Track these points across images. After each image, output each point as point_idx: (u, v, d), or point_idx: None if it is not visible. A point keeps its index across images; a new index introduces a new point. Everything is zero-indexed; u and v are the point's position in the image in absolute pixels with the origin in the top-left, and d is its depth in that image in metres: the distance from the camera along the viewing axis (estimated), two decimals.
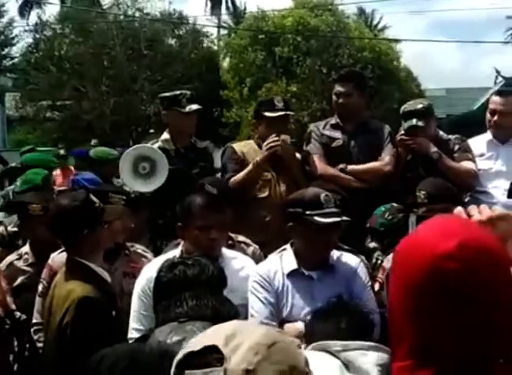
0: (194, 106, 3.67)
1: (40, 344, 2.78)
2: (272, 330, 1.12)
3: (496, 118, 3.64)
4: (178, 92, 3.76)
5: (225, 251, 2.72)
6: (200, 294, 1.78)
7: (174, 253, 2.71)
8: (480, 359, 1.05)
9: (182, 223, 2.68)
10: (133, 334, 2.53)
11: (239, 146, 3.71)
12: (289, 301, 2.55)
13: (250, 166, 3.50)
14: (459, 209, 1.33)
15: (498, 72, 15.60)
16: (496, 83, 14.64)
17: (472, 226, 1.17)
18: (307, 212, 2.52)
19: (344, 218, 2.53)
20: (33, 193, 3.52)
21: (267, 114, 3.54)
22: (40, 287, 2.85)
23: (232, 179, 3.52)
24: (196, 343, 1.08)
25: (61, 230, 2.56)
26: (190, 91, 3.78)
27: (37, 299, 2.87)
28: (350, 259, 2.67)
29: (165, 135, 3.77)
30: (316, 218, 2.50)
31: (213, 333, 1.09)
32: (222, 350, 1.02)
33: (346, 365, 1.77)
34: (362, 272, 2.64)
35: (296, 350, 1.13)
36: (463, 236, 1.07)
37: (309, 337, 2.07)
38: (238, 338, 1.04)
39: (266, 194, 3.50)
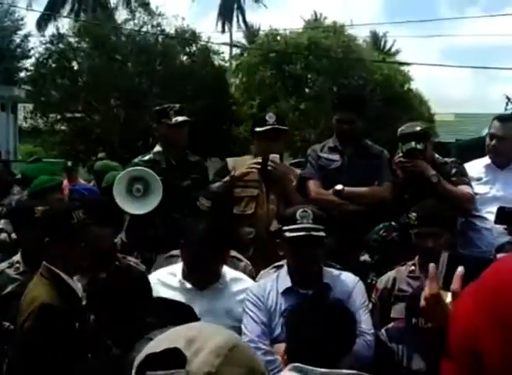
0: (181, 118, 3.72)
1: None
2: (232, 334, 1.13)
3: (493, 142, 3.65)
4: (166, 105, 3.81)
5: (227, 271, 2.73)
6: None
7: (177, 268, 2.74)
8: None
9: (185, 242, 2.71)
10: None
11: (233, 161, 3.75)
12: (281, 320, 2.53)
13: (227, 177, 3.54)
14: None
15: (509, 98, 15.62)
16: (506, 109, 14.63)
17: None
18: (284, 228, 2.59)
19: (315, 233, 2.53)
20: (37, 200, 3.57)
21: (257, 129, 3.59)
22: None
23: (210, 187, 3.56)
24: (156, 345, 1.08)
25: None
26: (179, 105, 3.82)
27: None
28: (348, 278, 2.67)
29: (157, 148, 3.82)
30: (286, 233, 2.56)
31: (173, 335, 1.09)
32: (184, 352, 1.02)
33: None
34: (359, 292, 2.63)
35: (254, 352, 1.15)
36: None
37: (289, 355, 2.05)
38: (199, 341, 1.04)
39: (252, 210, 3.51)
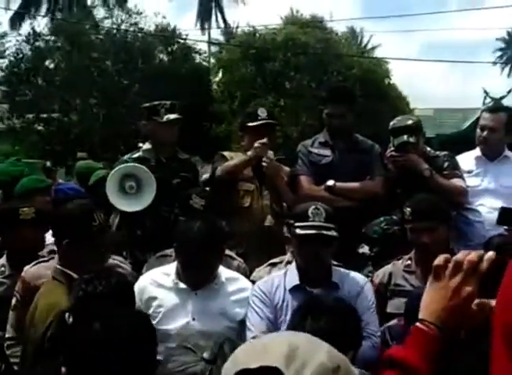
0: (172, 116, 3.64)
1: (14, 359, 2.67)
2: (333, 350, 1.03)
3: (485, 134, 3.64)
4: (157, 102, 3.72)
5: (222, 271, 2.67)
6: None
7: (171, 267, 2.67)
8: None
9: (176, 243, 2.64)
10: None
11: (228, 153, 3.73)
12: (287, 317, 2.49)
13: (242, 158, 3.48)
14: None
15: (487, 93, 15.78)
16: (484, 103, 14.78)
17: None
18: (295, 224, 2.55)
19: (326, 232, 2.50)
20: (20, 200, 3.47)
21: (249, 124, 3.54)
22: (13, 301, 2.75)
23: (223, 165, 3.50)
24: (248, 359, 0.98)
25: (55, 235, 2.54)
26: (170, 101, 3.74)
27: (11, 313, 2.76)
28: (357, 279, 2.65)
29: (147, 145, 3.74)
30: (297, 230, 2.52)
31: (267, 349, 0.99)
32: (285, 373, 0.94)
33: None
34: (368, 292, 2.61)
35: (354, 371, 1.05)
36: None
37: None
38: (299, 359, 0.96)
39: (248, 204, 3.47)
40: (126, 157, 3.76)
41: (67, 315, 2.10)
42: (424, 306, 1.25)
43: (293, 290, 2.56)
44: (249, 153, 3.46)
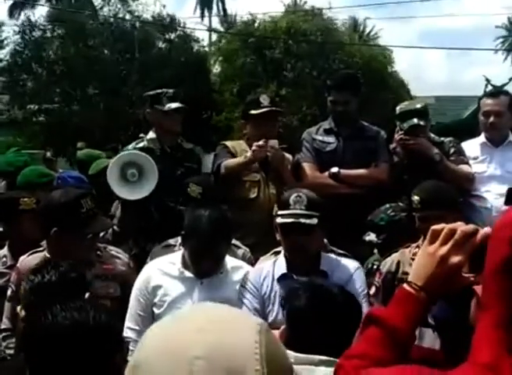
0: (174, 105, 3.59)
1: (9, 351, 2.64)
2: None
3: (492, 119, 3.60)
4: (160, 90, 3.68)
5: (228, 260, 2.65)
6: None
7: (177, 256, 2.64)
8: None
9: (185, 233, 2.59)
10: (127, 334, 2.48)
11: (230, 143, 3.68)
12: (275, 307, 2.48)
13: (242, 158, 3.45)
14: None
15: (488, 80, 15.63)
16: (485, 91, 14.68)
17: None
18: (278, 213, 2.52)
19: (304, 220, 2.44)
20: (22, 190, 3.44)
21: (252, 112, 3.49)
22: (8, 292, 2.72)
23: (226, 162, 3.46)
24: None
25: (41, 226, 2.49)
26: (173, 90, 3.69)
27: (6, 304, 2.73)
28: (347, 265, 2.59)
29: (151, 134, 3.69)
30: (278, 218, 2.49)
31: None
32: None
33: None
34: (358, 278, 2.56)
35: None
36: None
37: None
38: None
39: (255, 195, 3.44)
40: (130, 146, 3.72)
41: (19, 308, 2.07)
42: (413, 269, 1.28)
43: (281, 278, 2.52)
44: (248, 154, 3.41)
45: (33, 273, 2.06)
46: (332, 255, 2.62)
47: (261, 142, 3.35)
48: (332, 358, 1.68)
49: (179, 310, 1.10)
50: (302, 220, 2.43)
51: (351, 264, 2.60)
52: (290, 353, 1.63)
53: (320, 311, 1.83)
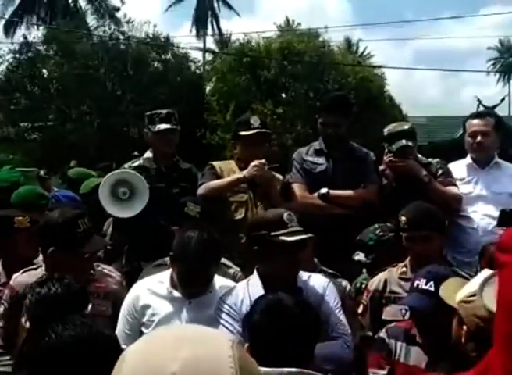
0: (163, 126, 3.64)
1: (2, 369, 2.64)
2: None
3: (479, 139, 3.65)
4: (154, 111, 3.74)
5: (217, 279, 2.65)
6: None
7: (165, 276, 2.65)
8: None
9: (174, 255, 2.60)
10: None
11: (218, 163, 3.71)
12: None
13: (230, 178, 3.47)
14: None
15: (480, 101, 15.80)
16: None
17: None
18: (272, 233, 2.46)
19: (309, 235, 2.48)
20: (17, 209, 3.46)
21: (242, 133, 3.52)
22: (1, 309, 2.72)
23: (207, 184, 3.48)
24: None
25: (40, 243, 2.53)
26: (167, 111, 3.73)
27: None
28: (318, 281, 2.59)
29: (148, 154, 3.76)
30: (282, 237, 2.45)
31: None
32: None
33: None
34: (331, 294, 2.55)
35: None
36: None
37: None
38: None
39: (242, 216, 3.44)
40: (126, 165, 3.76)
41: (23, 320, 2.11)
42: None
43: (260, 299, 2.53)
44: (244, 172, 3.43)
45: (38, 285, 2.10)
46: (304, 273, 2.61)
47: (262, 161, 3.40)
48: (300, 369, 1.70)
49: (154, 330, 1.13)
50: (304, 236, 2.47)
51: (322, 280, 2.61)
52: (260, 369, 1.66)
53: (276, 325, 1.87)
